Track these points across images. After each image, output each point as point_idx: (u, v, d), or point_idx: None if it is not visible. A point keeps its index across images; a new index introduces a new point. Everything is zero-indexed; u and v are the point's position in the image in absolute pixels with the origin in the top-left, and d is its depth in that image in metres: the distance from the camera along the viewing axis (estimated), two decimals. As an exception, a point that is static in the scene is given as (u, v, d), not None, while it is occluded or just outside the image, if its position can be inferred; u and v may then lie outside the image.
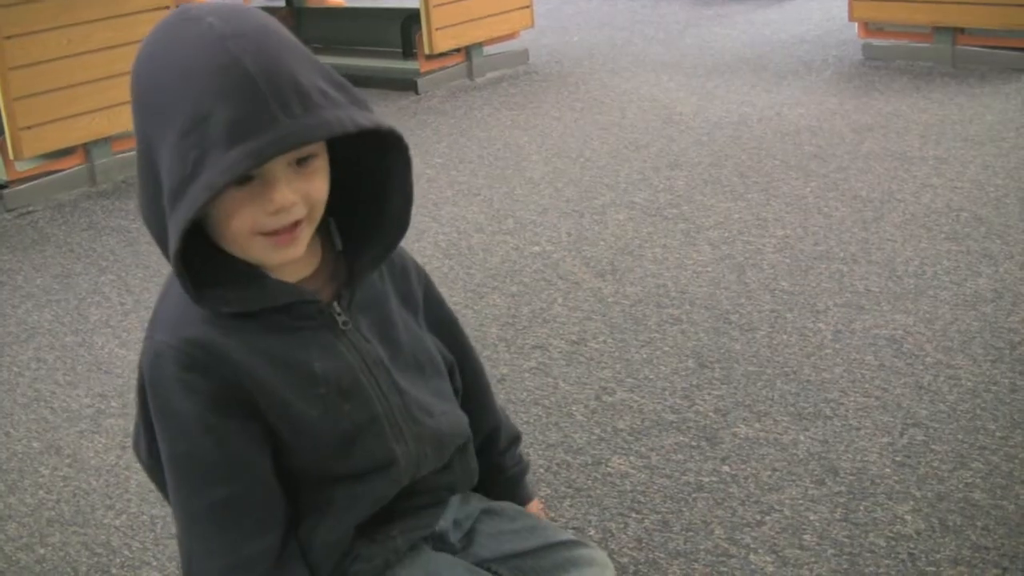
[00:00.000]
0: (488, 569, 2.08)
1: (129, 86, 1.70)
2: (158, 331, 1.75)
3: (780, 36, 8.86)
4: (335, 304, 1.82)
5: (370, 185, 1.81)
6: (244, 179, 1.61)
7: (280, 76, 1.58)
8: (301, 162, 1.67)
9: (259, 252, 1.70)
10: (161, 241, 1.67)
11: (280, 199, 1.64)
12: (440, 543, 2.06)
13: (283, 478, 1.81)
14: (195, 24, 1.61)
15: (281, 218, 1.66)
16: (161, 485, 1.85)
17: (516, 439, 2.27)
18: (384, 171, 1.79)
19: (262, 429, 1.76)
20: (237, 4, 1.79)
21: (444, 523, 2.06)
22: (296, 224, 1.69)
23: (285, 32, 1.68)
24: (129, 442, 3.64)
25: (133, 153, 5.86)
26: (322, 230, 1.83)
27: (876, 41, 7.85)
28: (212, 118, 1.55)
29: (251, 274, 1.74)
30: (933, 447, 3.33)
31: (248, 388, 1.72)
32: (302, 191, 1.67)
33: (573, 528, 3.08)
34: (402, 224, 1.83)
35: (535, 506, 2.32)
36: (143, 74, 1.66)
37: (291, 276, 1.78)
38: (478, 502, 2.15)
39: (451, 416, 2.02)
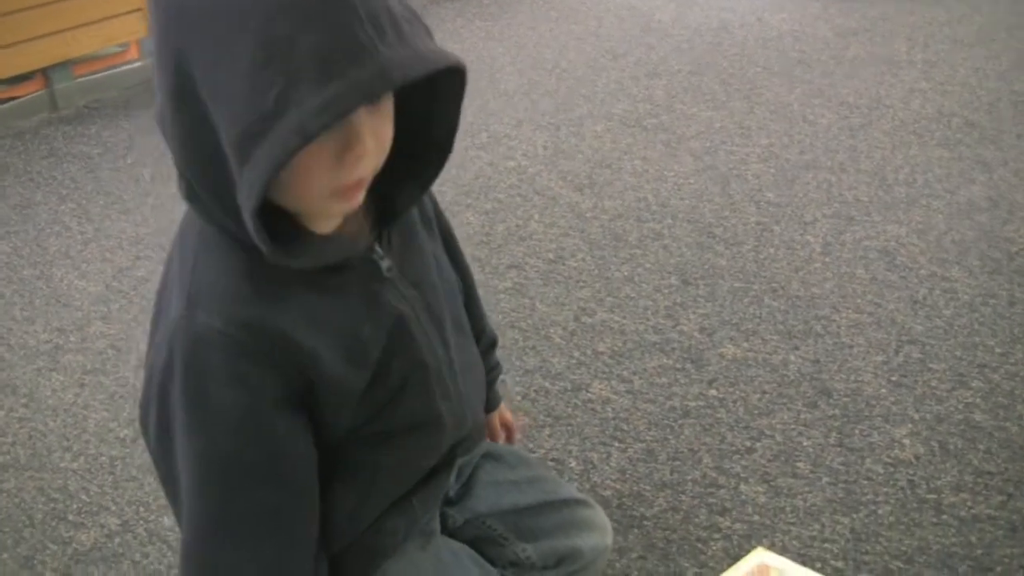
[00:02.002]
0: (484, 524, 1.95)
1: (155, 2, 1.37)
2: (198, 309, 1.45)
3: (760, -61, 8.62)
4: (377, 247, 1.59)
5: (408, 113, 1.52)
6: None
7: None
8: (375, 101, 1.40)
9: (321, 205, 1.45)
10: (216, 192, 1.39)
11: (362, 148, 1.38)
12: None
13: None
14: None
15: (359, 169, 1.40)
16: (164, 478, 1.55)
17: (494, 343, 2.10)
18: (430, 101, 1.53)
19: (308, 419, 1.54)
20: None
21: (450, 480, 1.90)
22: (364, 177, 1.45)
23: None
24: (88, 379, 3.50)
25: (95, 77, 5.67)
26: None
27: (859, -58, 7.62)
28: (298, 43, 1.25)
29: (300, 229, 1.49)
30: (930, 365, 3.17)
31: (307, 371, 1.50)
32: (378, 135, 1.42)
33: (552, 460, 2.92)
34: (443, 154, 1.56)
35: (504, 412, 2.19)
36: None
37: (329, 225, 1.53)
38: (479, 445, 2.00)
39: (475, 363, 1.85)
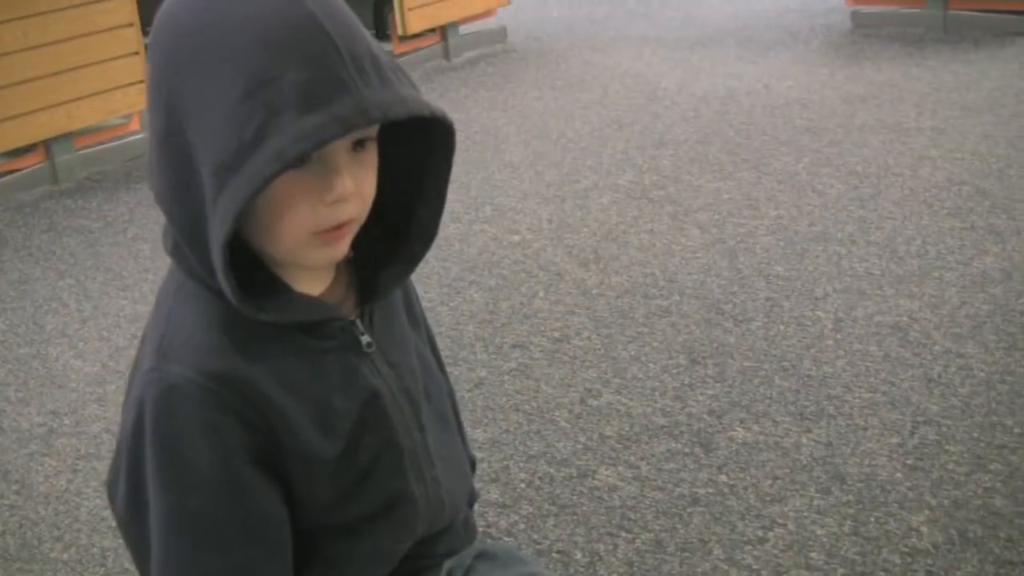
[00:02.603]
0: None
1: (151, 48, 1.42)
2: (170, 361, 1.44)
3: (764, 5, 8.60)
4: (358, 323, 1.58)
5: (394, 191, 1.56)
6: (301, 159, 1.36)
7: (356, 42, 1.37)
8: (357, 148, 1.43)
9: (302, 251, 1.45)
10: (192, 237, 1.41)
11: (342, 187, 1.40)
12: None
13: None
14: None
15: (339, 212, 1.42)
16: (135, 542, 1.51)
17: (472, 465, 2.01)
18: (417, 176, 1.56)
19: (281, 484, 1.50)
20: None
21: None
22: (345, 223, 1.45)
23: None
24: (82, 465, 3.41)
25: (97, 149, 5.62)
26: None
27: (865, 7, 7.60)
28: (281, 78, 1.31)
29: (276, 286, 1.49)
30: (947, 447, 3.08)
31: (276, 430, 1.47)
32: (359, 181, 1.44)
33: (558, 552, 2.83)
34: (428, 235, 1.59)
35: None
36: (182, 30, 1.39)
37: (311, 288, 1.54)
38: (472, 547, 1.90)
39: (458, 460, 1.79)
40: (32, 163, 6.16)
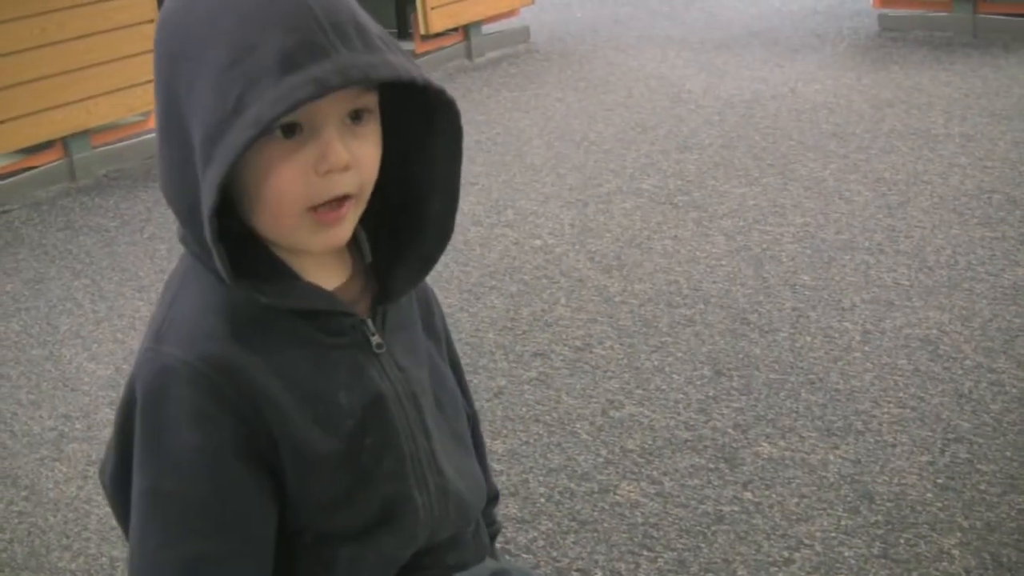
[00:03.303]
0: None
1: (154, 38, 1.45)
2: (168, 342, 1.44)
3: (791, 7, 8.49)
4: (369, 322, 1.54)
5: (406, 185, 1.54)
6: (291, 129, 1.37)
7: (339, 9, 1.37)
8: (355, 119, 1.42)
9: (301, 233, 1.43)
10: (191, 219, 1.40)
11: (335, 156, 1.38)
12: None
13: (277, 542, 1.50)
14: None
15: (333, 184, 1.40)
16: (123, 519, 1.51)
17: (496, 497, 1.94)
18: (426, 166, 1.53)
19: (272, 482, 1.46)
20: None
21: None
22: (344, 201, 1.42)
23: None
24: (92, 471, 3.35)
25: (115, 147, 5.58)
26: (352, 238, 1.53)
27: (892, 11, 7.49)
28: (261, 47, 1.33)
29: (284, 272, 1.48)
30: (979, 467, 3.00)
31: (270, 422, 1.44)
32: (356, 154, 1.41)
33: (578, 570, 2.75)
34: (444, 232, 1.55)
35: None
36: (174, 14, 1.42)
37: (324, 284, 1.51)
38: (486, 565, 1.83)
39: (476, 476, 1.72)
40: (49, 160, 6.10)
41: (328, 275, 1.52)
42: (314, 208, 1.41)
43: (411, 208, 1.55)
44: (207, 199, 1.33)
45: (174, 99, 1.39)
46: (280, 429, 1.44)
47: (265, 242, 1.47)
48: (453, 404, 1.71)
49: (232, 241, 1.41)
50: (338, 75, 1.32)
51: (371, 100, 1.42)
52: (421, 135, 1.51)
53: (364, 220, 1.52)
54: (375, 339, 1.54)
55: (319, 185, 1.39)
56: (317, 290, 1.49)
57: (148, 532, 1.43)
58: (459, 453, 1.68)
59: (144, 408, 1.42)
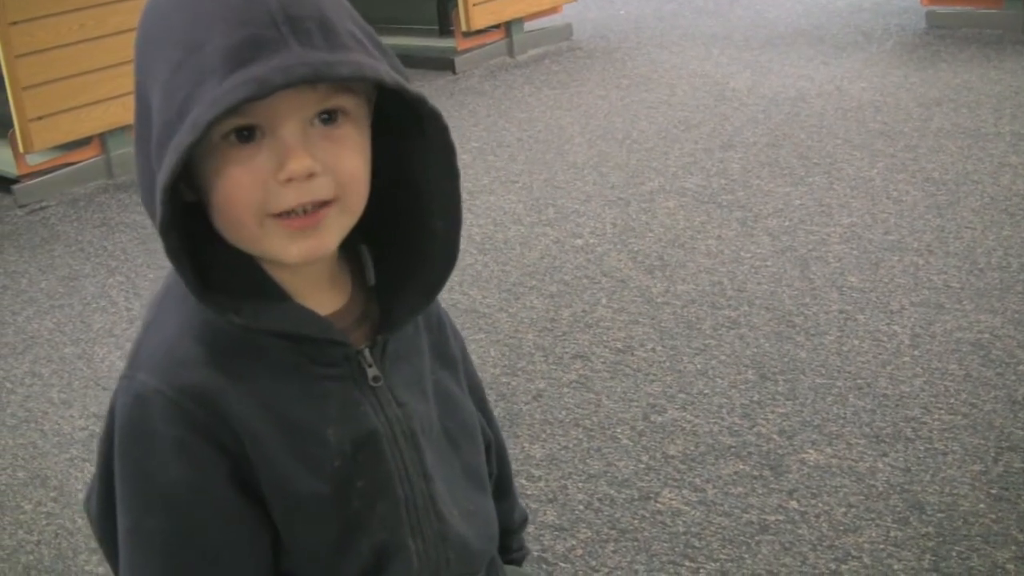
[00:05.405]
0: None
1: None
2: (142, 369, 1.35)
3: (837, 4, 8.37)
4: (367, 352, 1.42)
5: (410, 204, 1.44)
6: (247, 135, 1.28)
7: (302, 4, 1.27)
8: (327, 121, 1.31)
9: (272, 242, 1.32)
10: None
11: (296, 163, 1.27)
12: None
13: None
14: None
15: (301, 191, 1.29)
16: (111, 556, 1.42)
17: (524, 522, 1.85)
18: (427, 184, 1.42)
19: (265, 513, 1.38)
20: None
21: None
22: (320, 207, 1.31)
23: None
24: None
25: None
26: (353, 260, 1.45)
27: (940, 8, 7.37)
28: (207, 45, 1.24)
29: (272, 292, 1.37)
30: (1034, 477, 2.91)
31: (250, 455, 1.35)
32: (327, 160, 1.30)
33: (618, 581, 2.68)
34: (449, 254, 1.44)
35: None
36: (143, 14, 1.35)
37: (316, 306, 1.40)
38: None
39: (482, 515, 1.59)
40: (87, 157, 6.08)
41: (323, 297, 1.42)
42: (278, 215, 1.30)
43: (415, 229, 1.44)
44: (157, 208, 1.26)
45: (144, 102, 1.31)
46: (259, 463, 1.36)
47: (258, 260, 1.37)
48: (467, 435, 1.60)
49: (228, 256, 1.35)
50: (282, 73, 1.22)
51: (346, 101, 1.32)
52: (419, 149, 1.40)
53: (369, 241, 1.44)
54: (371, 371, 1.43)
55: (281, 193, 1.29)
56: (305, 313, 1.39)
57: (136, 568, 1.36)
58: (469, 491, 1.57)
59: (122, 440, 1.34)
